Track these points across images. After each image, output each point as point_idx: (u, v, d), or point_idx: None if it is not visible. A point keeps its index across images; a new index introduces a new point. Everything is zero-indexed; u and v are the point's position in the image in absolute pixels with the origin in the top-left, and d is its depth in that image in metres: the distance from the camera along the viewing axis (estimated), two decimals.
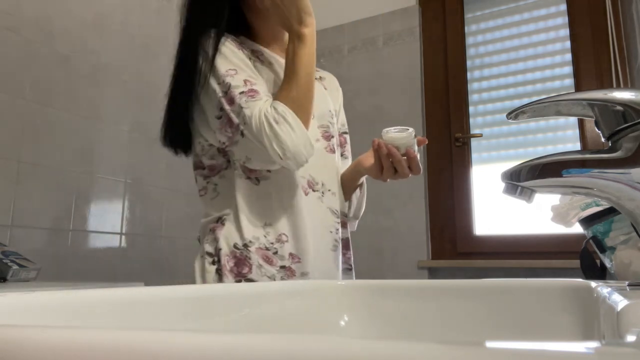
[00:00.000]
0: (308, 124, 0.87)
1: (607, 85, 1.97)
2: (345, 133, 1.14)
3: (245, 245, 0.87)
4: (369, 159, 0.99)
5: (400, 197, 2.22)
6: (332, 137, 1.02)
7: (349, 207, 1.09)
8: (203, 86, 0.87)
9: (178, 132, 0.94)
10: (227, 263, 0.86)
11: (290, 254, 0.89)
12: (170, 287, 0.40)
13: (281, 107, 0.83)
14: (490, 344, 0.13)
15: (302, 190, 0.92)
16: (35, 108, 1.62)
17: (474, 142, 2.22)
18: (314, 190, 0.95)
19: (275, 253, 0.88)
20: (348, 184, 1.05)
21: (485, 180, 2.16)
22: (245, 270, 0.86)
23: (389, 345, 0.13)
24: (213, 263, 0.88)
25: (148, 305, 0.36)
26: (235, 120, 0.84)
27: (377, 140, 0.93)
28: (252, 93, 0.85)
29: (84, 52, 1.80)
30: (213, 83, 0.86)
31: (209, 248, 0.89)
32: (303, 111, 0.86)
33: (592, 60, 2.03)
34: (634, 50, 1.77)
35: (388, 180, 0.98)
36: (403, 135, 0.91)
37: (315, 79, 1.04)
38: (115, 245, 1.84)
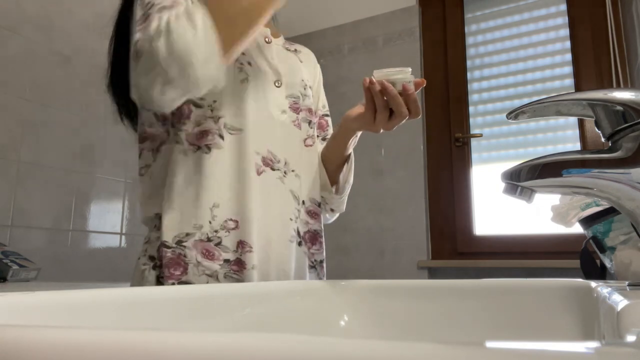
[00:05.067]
0: (231, 45, 0.66)
1: (607, 85, 1.97)
2: (327, 115, 1.01)
3: (179, 242, 0.73)
4: (357, 110, 0.85)
5: (400, 197, 2.22)
6: (302, 110, 0.89)
7: (337, 189, 0.94)
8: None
9: (121, 80, 0.81)
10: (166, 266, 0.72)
11: (240, 242, 0.74)
12: (170, 287, 0.40)
13: (192, 7, 0.64)
14: (490, 344, 0.13)
15: (253, 168, 0.78)
16: (35, 108, 1.62)
17: (474, 142, 2.21)
18: (272, 169, 0.81)
19: (219, 244, 0.74)
20: (334, 154, 0.91)
21: (485, 180, 2.16)
22: (179, 271, 0.71)
23: (388, 345, 0.13)
24: (154, 268, 0.74)
25: (148, 305, 0.36)
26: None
27: (369, 78, 0.78)
28: (173, 4, 0.66)
29: (84, 52, 1.80)
30: (138, 10, 0.68)
31: (151, 250, 0.76)
32: (228, 24, 0.65)
33: (592, 60, 2.03)
34: (634, 50, 1.77)
35: (382, 130, 0.82)
36: (399, 71, 0.78)
37: (291, 51, 0.96)
38: (115, 245, 1.84)
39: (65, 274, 1.64)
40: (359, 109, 0.85)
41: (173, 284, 0.71)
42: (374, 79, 0.77)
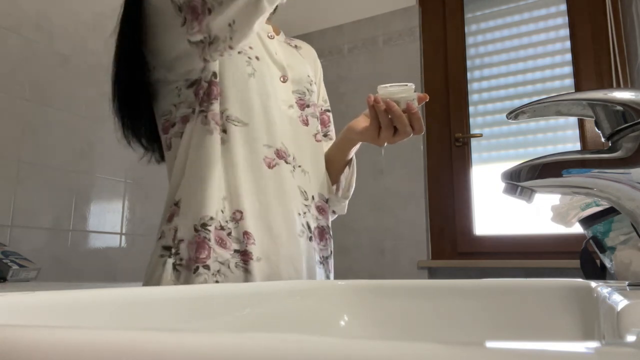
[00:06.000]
0: None
1: (607, 85, 1.97)
2: (328, 111, 1.02)
3: (204, 225, 0.73)
4: (361, 122, 0.86)
5: (400, 197, 2.22)
6: (308, 106, 0.89)
7: (337, 189, 0.94)
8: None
9: (131, 93, 0.83)
10: (190, 252, 0.73)
11: (245, 233, 0.75)
12: (171, 287, 0.40)
13: None
14: (490, 344, 0.13)
15: (262, 161, 0.79)
16: (35, 108, 1.62)
17: (474, 142, 2.21)
18: (286, 162, 0.82)
19: (229, 234, 0.75)
20: (336, 158, 0.92)
21: (485, 180, 2.16)
22: (204, 254, 0.73)
23: (389, 345, 0.13)
24: (170, 257, 0.74)
25: (148, 305, 0.36)
26: None
27: (374, 96, 0.79)
28: None
29: (84, 52, 1.80)
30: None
31: (165, 242, 0.76)
32: None
33: (592, 60, 2.03)
34: (634, 50, 1.77)
35: (385, 144, 0.84)
36: (402, 89, 0.80)
37: (292, 46, 0.96)
38: (115, 245, 1.84)
39: (65, 274, 1.64)
40: (363, 121, 0.85)
41: (197, 268, 0.72)
42: (378, 97, 0.79)
